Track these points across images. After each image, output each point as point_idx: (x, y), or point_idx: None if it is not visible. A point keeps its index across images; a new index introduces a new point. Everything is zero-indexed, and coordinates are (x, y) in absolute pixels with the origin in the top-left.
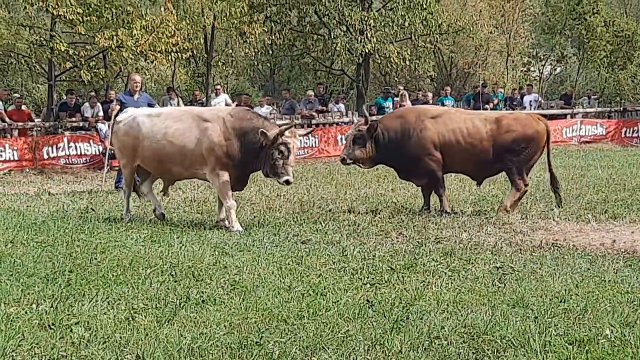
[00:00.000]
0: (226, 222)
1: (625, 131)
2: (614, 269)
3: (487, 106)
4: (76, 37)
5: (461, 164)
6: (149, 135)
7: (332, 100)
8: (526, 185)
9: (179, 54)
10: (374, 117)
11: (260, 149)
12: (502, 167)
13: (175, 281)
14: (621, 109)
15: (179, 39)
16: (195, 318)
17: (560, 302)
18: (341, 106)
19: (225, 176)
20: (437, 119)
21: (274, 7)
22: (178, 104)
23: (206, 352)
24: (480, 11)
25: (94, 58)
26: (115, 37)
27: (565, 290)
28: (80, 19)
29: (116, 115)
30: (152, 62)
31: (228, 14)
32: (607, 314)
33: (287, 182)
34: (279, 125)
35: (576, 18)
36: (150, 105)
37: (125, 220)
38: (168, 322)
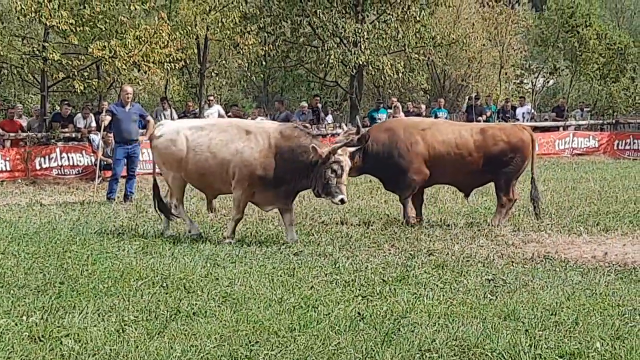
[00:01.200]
0: (288, 238)
1: (618, 144)
2: (605, 281)
3: (480, 118)
4: (69, 48)
5: (451, 175)
6: (193, 148)
7: (323, 111)
8: (510, 200)
9: (172, 64)
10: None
11: (310, 168)
12: (492, 178)
13: (167, 293)
14: (613, 121)
15: (172, 49)
16: (186, 330)
17: (552, 314)
18: (329, 117)
19: (247, 192)
20: (427, 131)
21: (268, 18)
22: (171, 115)
23: None
24: (474, 24)
25: (88, 68)
26: (108, 47)
27: (556, 303)
28: (74, 29)
29: (107, 126)
30: (145, 73)
31: (221, 25)
32: (598, 327)
33: (342, 202)
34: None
35: (569, 31)
36: (142, 116)
37: (193, 233)
38: (158, 334)
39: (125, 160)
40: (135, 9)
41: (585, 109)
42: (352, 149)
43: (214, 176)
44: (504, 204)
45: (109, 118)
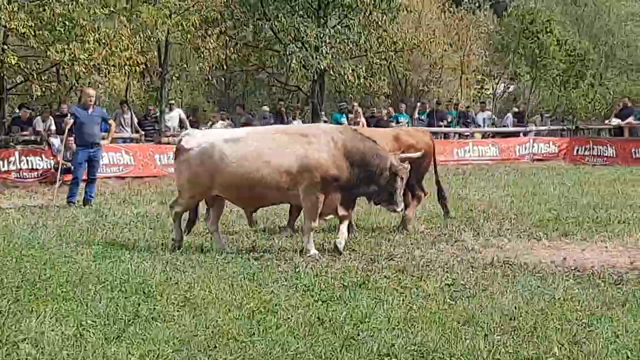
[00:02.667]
0: (339, 243)
1: (577, 149)
2: (564, 286)
3: (441, 123)
4: (28, 51)
5: None
6: (235, 160)
7: (289, 115)
8: (425, 194)
9: (133, 67)
10: None
11: (378, 174)
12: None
13: (125, 297)
14: (573, 127)
15: (132, 52)
16: (144, 335)
17: (510, 319)
18: (298, 122)
19: (320, 197)
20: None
21: (229, 22)
22: (131, 118)
23: None
24: (435, 29)
25: (47, 72)
26: (67, 50)
27: (515, 307)
28: (33, 32)
29: (70, 130)
30: (105, 76)
31: (182, 29)
32: (556, 332)
33: (401, 211)
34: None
35: (529, 37)
36: (104, 119)
37: (176, 244)
38: (116, 339)
39: (86, 164)
40: (96, 12)
41: (545, 115)
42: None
43: (267, 186)
44: (421, 198)
45: (71, 121)
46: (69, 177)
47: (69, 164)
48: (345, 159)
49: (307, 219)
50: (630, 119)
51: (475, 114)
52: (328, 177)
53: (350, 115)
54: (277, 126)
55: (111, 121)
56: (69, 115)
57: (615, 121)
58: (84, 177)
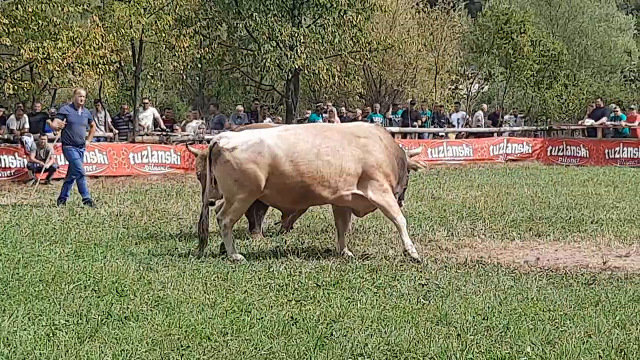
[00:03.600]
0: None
1: (551, 150)
2: (537, 286)
3: (415, 123)
4: (1, 49)
5: None
6: (291, 158)
7: (264, 115)
8: None
9: (107, 66)
10: None
11: (406, 173)
12: None
13: (98, 297)
14: (547, 127)
15: (106, 51)
16: (117, 335)
17: (483, 319)
18: (269, 120)
19: (392, 193)
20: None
21: (204, 21)
22: (105, 117)
23: None
24: (409, 29)
25: (20, 70)
26: (41, 49)
27: (488, 307)
28: (6, 30)
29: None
30: (79, 75)
31: (156, 27)
32: (529, 331)
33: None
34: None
35: (504, 37)
36: (89, 120)
37: (236, 259)
38: (89, 338)
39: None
40: (69, 10)
41: (518, 115)
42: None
43: (324, 187)
44: None
45: (63, 121)
46: (43, 175)
47: (42, 163)
48: (392, 158)
49: (394, 216)
50: (604, 120)
51: (450, 114)
52: (385, 177)
53: (324, 115)
54: (323, 124)
55: (93, 122)
56: (58, 115)
57: (588, 122)
58: (57, 176)
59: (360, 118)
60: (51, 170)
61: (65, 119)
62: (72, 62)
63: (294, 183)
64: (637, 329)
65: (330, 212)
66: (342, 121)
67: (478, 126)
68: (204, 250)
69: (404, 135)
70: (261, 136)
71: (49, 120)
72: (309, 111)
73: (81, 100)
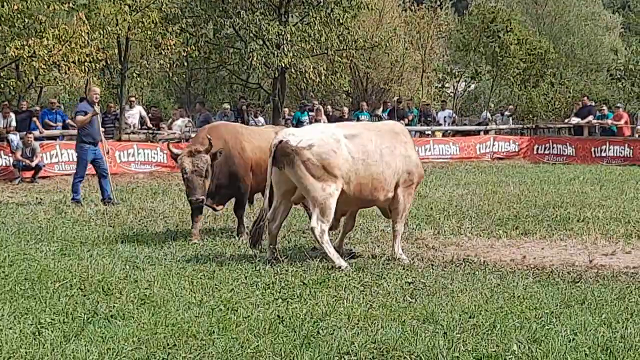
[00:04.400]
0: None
1: (537, 148)
2: (523, 284)
3: (402, 121)
4: None
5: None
6: (363, 158)
7: (250, 113)
8: None
9: (93, 64)
10: None
11: None
12: None
13: (84, 295)
14: (533, 126)
15: (92, 49)
16: (103, 333)
17: (470, 317)
18: (260, 119)
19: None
20: (249, 137)
21: (190, 19)
22: None
23: None
24: (396, 28)
25: (6, 68)
26: (26, 46)
27: (475, 305)
28: None
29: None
30: (65, 73)
31: (142, 25)
32: (516, 329)
33: None
34: None
35: (490, 36)
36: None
37: (345, 269)
38: (75, 337)
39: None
40: (55, 8)
41: (506, 113)
42: None
43: (383, 189)
44: None
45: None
46: (28, 174)
47: (27, 161)
48: None
49: (400, 221)
50: (590, 118)
51: (436, 113)
52: (419, 178)
53: (311, 114)
54: (367, 122)
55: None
56: (78, 113)
57: (574, 120)
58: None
59: (347, 117)
60: (37, 168)
61: (84, 116)
62: (58, 60)
63: (365, 184)
64: (623, 327)
65: None
66: (328, 119)
67: (465, 124)
68: (258, 248)
69: None
70: (335, 132)
71: (69, 120)
72: (286, 110)
73: (96, 98)
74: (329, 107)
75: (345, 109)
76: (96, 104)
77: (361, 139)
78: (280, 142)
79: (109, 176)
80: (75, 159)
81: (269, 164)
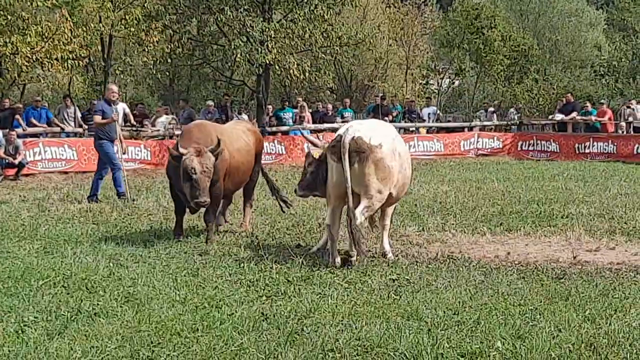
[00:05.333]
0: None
1: (522, 144)
2: (507, 281)
3: (386, 118)
4: None
5: (239, 182)
6: (405, 159)
7: (235, 110)
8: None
9: (76, 61)
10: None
11: None
12: (249, 178)
13: (68, 293)
14: (517, 122)
15: (75, 46)
16: (87, 331)
17: (454, 314)
18: (244, 116)
19: None
20: (225, 136)
21: (173, 16)
22: (74, 112)
23: None
24: (380, 24)
25: None
26: (9, 43)
27: (459, 302)
28: None
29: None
30: (48, 70)
31: (125, 22)
32: (500, 326)
33: None
34: None
35: (474, 32)
36: (125, 114)
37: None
38: (59, 335)
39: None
40: (37, 5)
41: (490, 109)
42: None
43: (403, 189)
44: (253, 200)
45: (99, 117)
46: (11, 171)
47: (10, 158)
48: None
49: (390, 218)
50: (574, 114)
51: (421, 109)
52: None
53: (295, 110)
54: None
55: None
56: (96, 112)
57: (558, 116)
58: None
59: (331, 113)
60: (20, 166)
61: (102, 115)
62: (41, 57)
63: (401, 185)
64: (606, 323)
65: (303, 207)
66: (312, 116)
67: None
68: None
69: None
70: (392, 134)
71: (97, 118)
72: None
73: (113, 96)
74: (318, 104)
75: (330, 106)
76: (114, 102)
77: (398, 140)
78: (353, 137)
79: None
80: (100, 157)
81: (344, 160)
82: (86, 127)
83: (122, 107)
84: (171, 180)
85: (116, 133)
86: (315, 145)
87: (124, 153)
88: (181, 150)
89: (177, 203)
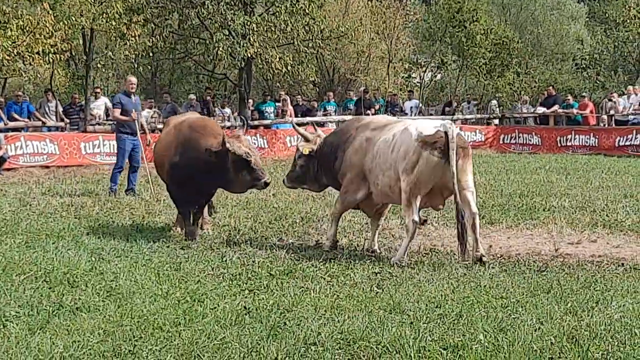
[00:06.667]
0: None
1: (504, 138)
2: (489, 274)
3: (368, 112)
4: None
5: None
6: None
7: (217, 104)
8: None
9: (57, 55)
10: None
11: None
12: None
13: (50, 288)
14: (499, 115)
15: (57, 40)
16: (69, 326)
17: (436, 307)
18: (227, 110)
19: None
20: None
21: (155, 10)
22: (56, 107)
23: None
24: (362, 17)
25: None
26: None
27: (441, 295)
28: None
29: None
30: (30, 64)
31: (106, 16)
32: (482, 319)
33: None
34: None
35: (456, 25)
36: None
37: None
38: (40, 329)
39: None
40: None
41: (472, 102)
42: None
43: None
44: None
45: (118, 110)
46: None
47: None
48: None
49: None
50: (555, 107)
51: (403, 103)
52: None
53: (277, 104)
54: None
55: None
56: (115, 105)
57: (540, 109)
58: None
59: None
60: (1, 160)
61: (121, 108)
62: (22, 51)
63: None
64: (588, 316)
65: (285, 200)
66: (295, 110)
67: (431, 114)
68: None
69: None
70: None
71: (117, 112)
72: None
73: (132, 88)
74: (297, 97)
75: (315, 104)
76: (133, 94)
77: None
78: (458, 133)
79: (139, 169)
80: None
81: (452, 156)
82: (68, 121)
83: (103, 101)
84: (182, 183)
85: (136, 125)
86: (306, 139)
87: (147, 144)
88: (227, 142)
89: (187, 205)
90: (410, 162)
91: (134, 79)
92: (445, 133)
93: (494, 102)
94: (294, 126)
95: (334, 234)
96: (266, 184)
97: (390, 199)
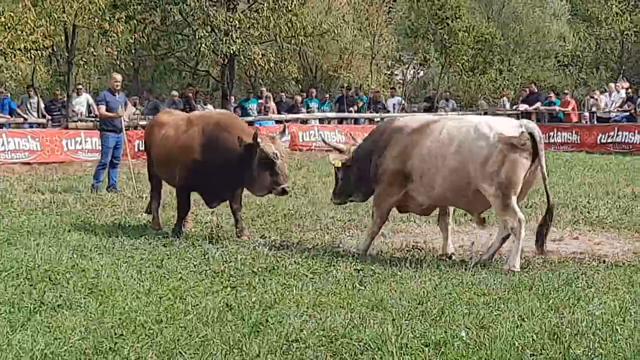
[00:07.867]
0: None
1: None
2: (472, 271)
3: (351, 109)
4: None
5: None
6: None
7: (199, 101)
8: None
9: (39, 51)
10: None
11: None
12: None
13: (31, 285)
14: (482, 112)
15: (38, 36)
16: (50, 323)
17: (419, 304)
18: (209, 107)
19: None
20: None
21: (137, 6)
22: (38, 103)
23: (59, 358)
24: (345, 14)
25: None
26: None
27: (423, 292)
28: None
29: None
30: (11, 60)
31: (89, 12)
32: (464, 315)
33: None
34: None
35: (439, 22)
36: (125, 103)
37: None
38: (21, 327)
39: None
40: None
41: (451, 100)
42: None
43: None
44: None
45: (103, 107)
46: None
47: None
48: None
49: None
50: (538, 105)
51: (386, 100)
52: None
53: (260, 101)
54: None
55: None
56: (99, 102)
57: (522, 107)
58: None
59: (297, 104)
60: None
61: (106, 105)
62: (3, 48)
63: None
64: (570, 312)
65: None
66: (277, 107)
67: (414, 111)
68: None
69: (340, 120)
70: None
71: (102, 109)
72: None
73: (117, 86)
74: (282, 94)
75: (299, 98)
76: (118, 92)
77: None
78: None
79: (119, 165)
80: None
81: (541, 158)
82: (49, 117)
83: (85, 97)
84: (188, 175)
85: (120, 123)
86: (340, 150)
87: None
88: (259, 138)
89: (187, 200)
90: (494, 166)
91: (118, 77)
92: (531, 134)
93: (482, 101)
94: (324, 141)
95: (367, 249)
96: (284, 192)
97: (449, 202)
